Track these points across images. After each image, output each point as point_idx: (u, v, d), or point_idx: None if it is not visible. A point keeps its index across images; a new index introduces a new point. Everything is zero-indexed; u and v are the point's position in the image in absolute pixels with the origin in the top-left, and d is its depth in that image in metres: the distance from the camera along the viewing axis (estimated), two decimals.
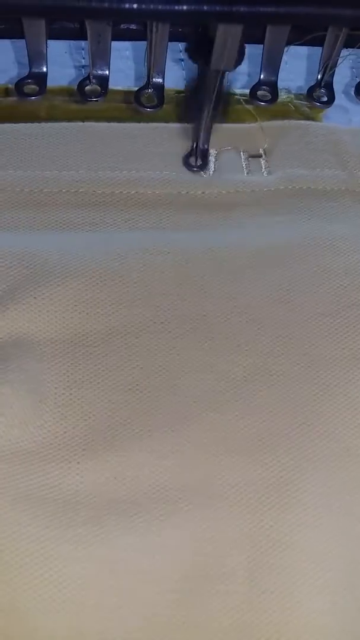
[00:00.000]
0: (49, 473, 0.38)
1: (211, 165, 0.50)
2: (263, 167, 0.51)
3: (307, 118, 0.54)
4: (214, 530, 0.38)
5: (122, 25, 0.55)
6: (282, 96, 0.54)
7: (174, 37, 0.52)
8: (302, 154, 0.51)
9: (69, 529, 0.37)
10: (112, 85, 0.53)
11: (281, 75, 0.54)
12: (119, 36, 0.54)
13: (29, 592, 0.36)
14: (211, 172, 0.50)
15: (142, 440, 0.39)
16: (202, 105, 0.47)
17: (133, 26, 0.56)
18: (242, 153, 0.51)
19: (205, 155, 0.50)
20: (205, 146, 0.50)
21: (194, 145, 0.50)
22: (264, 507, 0.38)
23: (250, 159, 0.51)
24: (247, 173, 0.50)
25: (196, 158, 0.50)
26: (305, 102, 0.54)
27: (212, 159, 0.51)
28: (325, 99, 0.54)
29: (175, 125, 0.52)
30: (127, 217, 0.47)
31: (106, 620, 0.36)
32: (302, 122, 0.53)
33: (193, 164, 0.50)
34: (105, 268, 0.44)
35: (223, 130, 0.52)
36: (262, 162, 0.51)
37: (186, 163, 0.50)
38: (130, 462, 0.39)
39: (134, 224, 0.47)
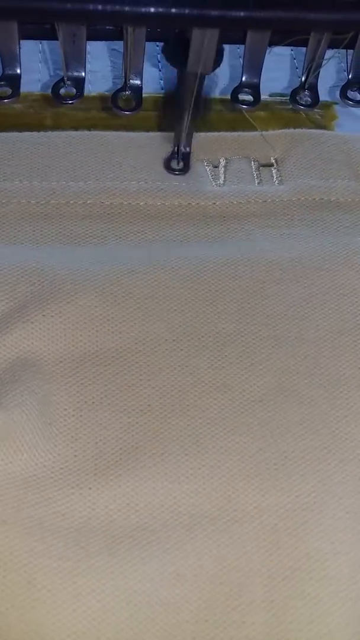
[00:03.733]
0: (59, 500, 0.37)
1: (221, 174, 0.49)
2: (274, 177, 0.49)
3: (319, 127, 0.52)
4: (232, 558, 0.36)
5: (97, 26, 0.54)
6: None
7: (151, 38, 0.51)
8: (314, 164, 0.50)
9: (82, 560, 0.35)
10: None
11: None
12: (95, 37, 0.53)
13: (46, 626, 0.35)
14: (221, 182, 0.49)
15: (156, 464, 0.38)
16: (181, 109, 0.46)
17: (109, 26, 0.54)
18: (252, 162, 0.50)
19: (186, 159, 0.49)
20: (187, 149, 0.49)
21: (176, 149, 0.48)
22: (283, 533, 0.37)
23: (261, 168, 0.50)
24: (258, 183, 0.49)
25: (178, 161, 0.49)
26: (319, 110, 0.53)
27: (221, 168, 0.49)
28: (309, 102, 0.53)
29: None
30: (136, 229, 0.46)
31: None
32: (315, 131, 0.51)
33: (175, 167, 0.49)
34: (115, 283, 0.42)
35: (233, 139, 0.51)
36: (274, 171, 0.50)
37: (167, 166, 0.49)
38: (143, 487, 0.37)
39: (143, 236, 0.46)
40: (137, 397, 0.40)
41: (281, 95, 0.54)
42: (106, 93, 0.53)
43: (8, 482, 0.37)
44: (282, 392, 0.40)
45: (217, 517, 0.37)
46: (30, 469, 0.37)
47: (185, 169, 0.49)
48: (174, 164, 0.49)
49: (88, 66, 0.53)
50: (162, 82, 0.54)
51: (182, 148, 0.48)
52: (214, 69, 0.42)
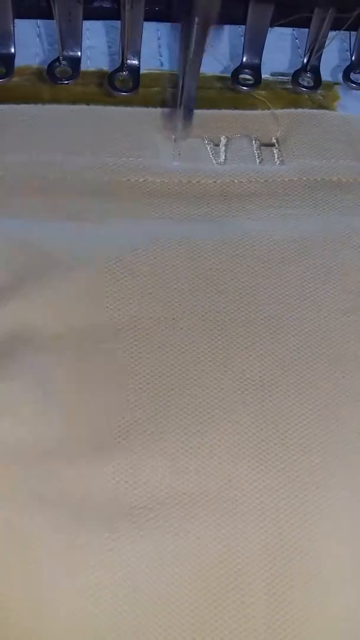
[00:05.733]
0: (57, 475, 0.36)
1: (222, 153, 0.48)
2: (276, 157, 0.49)
3: (321, 107, 0.52)
4: (232, 538, 0.36)
5: (94, 3, 0.53)
6: None
7: (150, 17, 0.50)
8: (316, 144, 0.49)
9: (80, 535, 0.35)
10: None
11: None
12: (92, 15, 0.52)
13: (44, 598, 0.34)
14: (222, 160, 0.48)
15: (155, 442, 0.37)
16: (185, 63, 0.44)
17: (106, 4, 0.53)
18: (254, 141, 0.49)
19: (189, 117, 0.46)
20: (191, 106, 0.46)
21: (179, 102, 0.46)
22: (285, 513, 0.36)
23: (262, 147, 0.49)
24: (260, 162, 0.48)
25: (180, 118, 0.46)
26: (321, 90, 0.52)
27: (222, 147, 0.49)
28: (311, 84, 0.52)
29: None
30: (135, 206, 0.45)
31: (121, 630, 0.34)
32: (316, 111, 0.51)
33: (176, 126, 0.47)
34: (114, 260, 0.42)
35: (234, 117, 0.50)
36: (275, 151, 0.49)
37: (167, 125, 0.48)
38: (142, 465, 0.37)
39: (143, 213, 0.45)
40: (135, 374, 0.39)
41: (282, 74, 0.53)
42: (105, 69, 0.52)
43: (6, 455, 0.36)
44: (283, 372, 0.40)
45: (218, 496, 0.36)
46: (29, 443, 0.36)
47: (185, 131, 0.47)
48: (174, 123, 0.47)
49: (87, 42, 0.52)
50: (161, 58, 0.53)
51: (187, 100, 0.46)
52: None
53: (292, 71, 0.53)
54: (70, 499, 0.35)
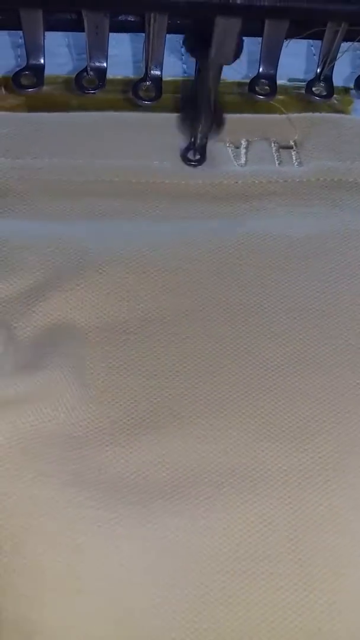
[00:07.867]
0: (95, 457, 0.38)
1: (242, 155, 0.51)
2: (294, 159, 0.51)
3: (336, 110, 0.54)
4: (258, 514, 0.38)
5: (120, 17, 0.55)
6: None
7: (172, 30, 0.52)
8: (332, 147, 0.51)
9: (117, 511, 0.37)
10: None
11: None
12: (117, 28, 0.54)
13: (88, 570, 0.36)
14: (243, 162, 0.51)
15: (184, 425, 0.40)
16: (200, 99, 0.47)
17: (131, 18, 0.55)
18: (272, 144, 0.52)
19: (203, 150, 0.50)
20: (204, 140, 0.50)
21: (192, 140, 0.50)
22: (307, 491, 0.39)
23: (281, 150, 0.51)
24: (279, 164, 0.51)
25: (194, 152, 0.50)
26: (336, 95, 0.54)
27: (242, 149, 0.51)
28: (324, 93, 0.55)
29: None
30: (162, 206, 0.48)
31: (155, 600, 0.36)
32: (333, 115, 0.53)
33: (191, 158, 0.50)
34: (144, 257, 0.44)
35: (253, 121, 0.52)
36: (293, 153, 0.51)
37: (184, 157, 0.50)
38: (172, 446, 0.39)
39: (169, 213, 0.48)
40: (164, 362, 0.42)
41: (299, 80, 0.55)
42: (129, 77, 0.54)
43: (48, 439, 0.38)
44: (304, 360, 0.42)
45: (244, 475, 0.39)
46: (68, 428, 0.39)
47: (201, 160, 0.50)
48: (190, 155, 0.50)
49: (111, 51, 0.54)
50: (184, 66, 0.55)
51: (199, 140, 0.49)
52: (234, 60, 0.43)
53: (308, 77, 0.55)
54: (107, 478, 0.38)
